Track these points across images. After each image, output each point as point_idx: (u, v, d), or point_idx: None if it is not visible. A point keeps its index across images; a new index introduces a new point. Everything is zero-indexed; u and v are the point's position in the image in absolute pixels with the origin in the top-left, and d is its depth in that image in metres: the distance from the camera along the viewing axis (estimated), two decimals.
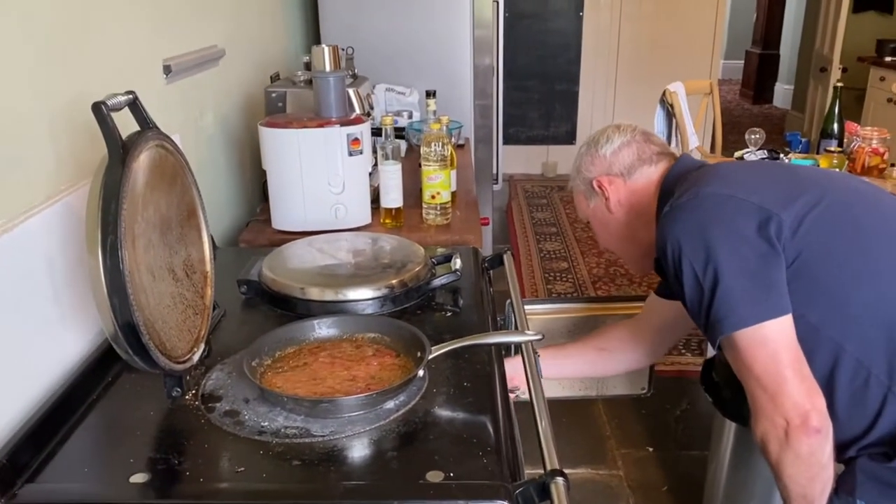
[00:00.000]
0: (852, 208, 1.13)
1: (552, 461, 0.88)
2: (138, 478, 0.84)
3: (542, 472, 0.86)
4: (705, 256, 1.05)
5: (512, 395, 1.38)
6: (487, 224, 2.45)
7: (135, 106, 0.98)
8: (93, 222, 0.85)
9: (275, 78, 2.34)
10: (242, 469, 0.86)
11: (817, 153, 2.55)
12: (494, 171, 3.01)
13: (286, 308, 1.28)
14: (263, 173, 1.74)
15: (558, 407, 2.46)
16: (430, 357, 1.03)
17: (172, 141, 1.04)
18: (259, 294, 1.33)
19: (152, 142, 0.97)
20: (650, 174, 1.30)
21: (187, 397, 1.01)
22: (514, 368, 1.24)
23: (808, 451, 1.02)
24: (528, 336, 1.09)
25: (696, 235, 1.07)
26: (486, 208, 2.97)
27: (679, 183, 1.21)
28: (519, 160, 5.58)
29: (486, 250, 2.83)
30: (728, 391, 1.64)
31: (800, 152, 2.56)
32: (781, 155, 2.48)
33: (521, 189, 5.31)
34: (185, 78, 1.61)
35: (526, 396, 1.05)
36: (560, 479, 0.83)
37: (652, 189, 1.29)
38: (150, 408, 0.99)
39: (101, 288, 0.85)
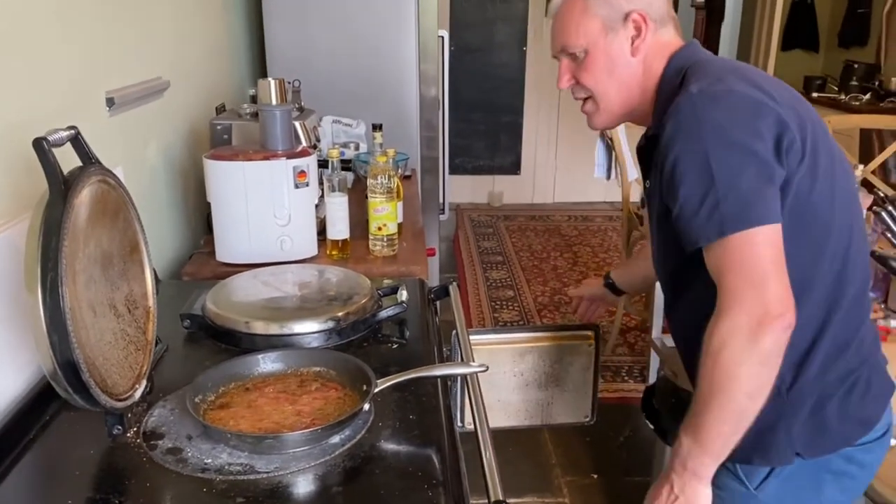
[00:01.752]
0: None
1: (496, 492, 0.89)
2: None
3: (486, 502, 0.87)
4: (724, 153, 1.01)
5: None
6: (434, 255, 2.48)
7: (77, 141, 0.98)
8: (32, 259, 0.84)
9: (220, 109, 2.33)
10: None
11: None
12: (441, 201, 3.04)
13: (230, 342, 1.27)
14: (207, 205, 1.73)
15: (505, 436, 2.47)
16: (376, 390, 1.04)
17: (115, 175, 1.03)
18: (202, 328, 1.32)
19: (94, 177, 0.96)
20: (671, 37, 1.18)
21: (129, 435, 0.99)
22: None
23: (771, 347, 0.98)
24: (473, 367, 1.10)
25: (721, 129, 1.02)
26: (433, 238, 3.00)
27: (696, 67, 1.13)
28: (465, 190, 5.65)
29: (433, 280, 2.85)
30: (668, 418, 1.69)
31: None
32: None
33: (467, 218, 5.36)
34: (128, 110, 1.59)
35: None
36: None
37: (667, 54, 1.17)
38: (89, 447, 0.97)
39: (40, 325, 0.84)
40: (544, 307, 3.79)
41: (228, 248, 1.68)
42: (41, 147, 0.88)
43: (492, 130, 5.62)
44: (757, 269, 1.00)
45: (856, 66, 5.09)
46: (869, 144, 3.90)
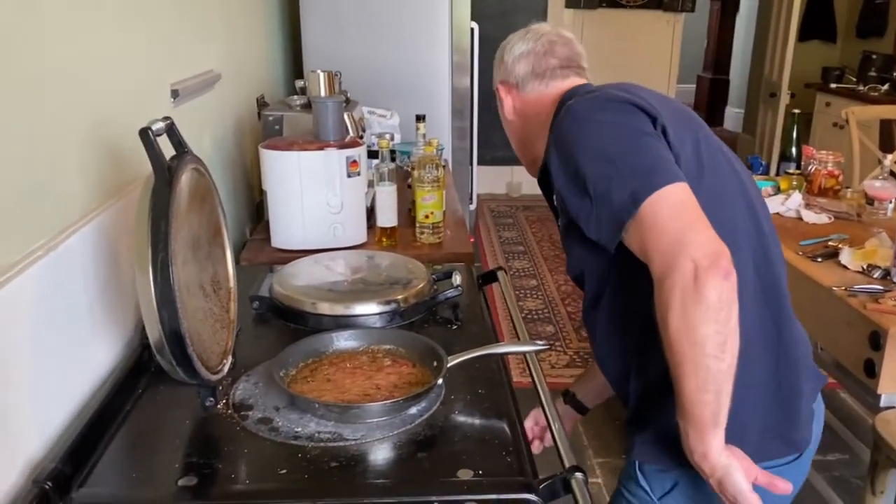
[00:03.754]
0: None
1: (569, 459, 0.96)
2: (186, 481, 0.89)
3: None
4: (604, 136, 1.02)
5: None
6: (473, 241, 2.53)
7: (171, 130, 1.04)
8: (143, 241, 0.91)
9: (260, 101, 2.39)
10: (284, 471, 0.92)
11: (777, 175, 2.71)
12: (470, 191, 3.10)
13: (298, 322, 1.34)
14: (255, 193, 1.80)
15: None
16: (448, 366, 1.11)
17: (203, 163, 1.10)
18: (271, 309, 1.38)
19: (190, 165, 1.03)
20: (541, 90, 1.25)
21: (219, 407, 1.06)
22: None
23: (716, 299, 0.89)
24: (537, 346, 1.17)
25: (594, 119, 1.05)
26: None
27: (576, 93, 1.18)
28: (484, 180, 5.69)
29: None
30: None
31: (760, 174, 2.72)
32: None
33: (487, 209, 5.42)
34: (188, 101, 1.66)
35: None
36: (579, 475, 0.91)
37: (546, 102, 1.24)
38: (184, 417, 1.04)
39: (150, 302, 0.90)
40: (568, 296, 3.85)
41: (283, 234, 1.75)
42: (147, 136, 0.94)
43: None
44: (674, 225, 0.93)
45: (874, 56, 5.11)
46: (889, 135, 3.94)
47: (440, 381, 1.08)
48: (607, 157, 1.00)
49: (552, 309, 3.69)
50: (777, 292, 1.11)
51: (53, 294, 0.98)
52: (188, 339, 0.93)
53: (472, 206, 3.15)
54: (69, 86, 1.09)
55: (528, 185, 5.77)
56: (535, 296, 3.86)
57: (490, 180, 5.74)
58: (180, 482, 0.89)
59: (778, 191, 2.47)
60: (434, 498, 0.86)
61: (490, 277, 1.65)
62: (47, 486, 0.84)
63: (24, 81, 0.95)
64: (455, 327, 1.37)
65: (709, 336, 0.90)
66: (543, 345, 1.16)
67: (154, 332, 0.92)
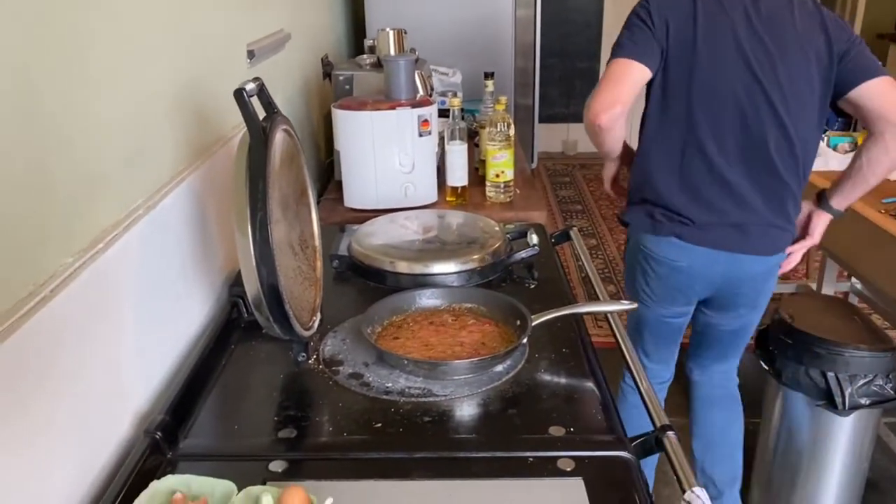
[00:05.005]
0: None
1: (660, 418, 0.96)
2: (286, 433, 0.92)
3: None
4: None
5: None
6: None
7: (262, 91, 1.05)
8: (241, 200, 0.93)
9: (325, 60, 2.40)
10: (379, 424, 0.94)
11: (854, 130, 2.61)
12: (532, 150, 3.06)
13: (377, 281, 1.36)
14: (322, 154, 1.81)
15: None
16: (532, 325, 1.11)
17: (292, 124, 1.11)
18: (350, 268, 1.41)
19: (281, 125, 1.04)
20: None
21: (310, 362, 1.09)
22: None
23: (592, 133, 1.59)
24: (623, 305, 1.16)
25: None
26: None
27: None
28: (540, 138, 5.63)
29: None
30: (782, 359, 1.73)
31: (837, 130, 2.62)
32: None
33: (543, 167, 5.36)
34: (262, 62, 1.67)
35: None
36: (671, 433, 0.92)
37: None
38: (276, 372, 1.07)
39: (250, 260, 0.93)
40: None
41: (356, 194, 1.77)
42: (241, 97, 0.96)
43: (567, 77, 5.56)
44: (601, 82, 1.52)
45: None
46: None
47: (525, 339, 1.09)
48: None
49: (612, 269, 3.66)
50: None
51: (154, 252, 1.01)
52: (285, 295, 0.95)
53: (534, 165, 3.12)
54: (157, 53, 1.10)
55: (585, 142, 5.68)
56: (595, 255, 3.83)
57: (545, 138, 5.66)
58: (280, 434, 0.92)
59: (855, 146, 2.39)
60: (529, 454, 0.88)
61: (562, 237, 1.65)
62: (157, 436, 0.87)
63: (125, 54, 0.97)
64: (532, 286, 1.37)
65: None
66: (630, 304, 1.16)
67: (252, 289, 0.95)
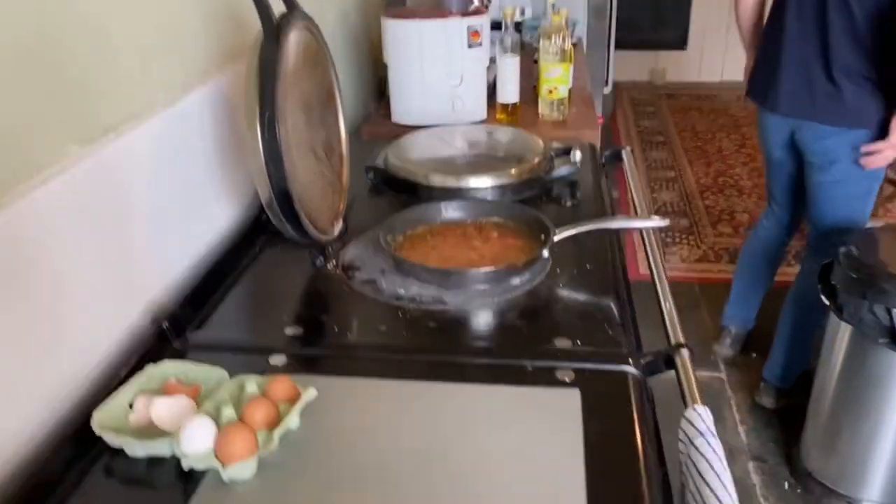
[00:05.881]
0: None
1: (677, 336, 0.91)
2: (293, 330, 0.93)
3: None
4: None
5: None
6: (603, 122, 2.41)
7: None
8: (252, 98, 0.92)
9: None
10: (384, 328, 0.94)
11: None
12: (605, 75, 2.94)
13: (410, 194, 1.34)
14: (380, 68, 1.78)
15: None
16: (556, 239, 1.07)
17: (315, 24, 1.08)
18: (384, 180, 1.39)
19: (300, 22, 1.02)
20: None
21: (329, 267, 1.09)
22: None
23: None
24: (654, 221, 1.11)
25: None
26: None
27: None
28: (625, 66, 5.39)
29: None
30: (845, 294, 1.62)
31: None
32: None
33: (627, 96, 5.16)
34: None
35: None
36: (685, 351, 0.87)
37: None
38: (296, 276, 1.08)
39: (258, 159, 0.92)
40: (707, 189, 3.65)
41: (403, 109, 1.74)
42: None
43: (657, 1, 5.27)
44: None
45: None
46: None
47: (545, 253, 1.06)
48: None
49: (689, 202, 3.52)
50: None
51: (173, 150, 1.02)
52: (295, 195, 0.95)
53: (607, 90, 2.99)
54: None
55: (673, 71, 5.41)
56: (671, 188, 3.69)
57: (630, 66, 5.42)
58: (287, 330, 0.93)
59: None
60: (527, 362, 0.85)
61: (615, 157, 1.58)
62: (165, 326, 0.90)
63: None
64: (570, 205, 1.32)
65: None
66: (661, 221, 1.10)
67: (263, 188, 0.95)
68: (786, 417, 2.12)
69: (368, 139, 1.75)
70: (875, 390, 1.64)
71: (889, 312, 1.51)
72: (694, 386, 0.83)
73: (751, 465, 1.96)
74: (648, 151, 4.16)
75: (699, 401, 0.80)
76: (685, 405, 0.81)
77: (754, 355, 2.38)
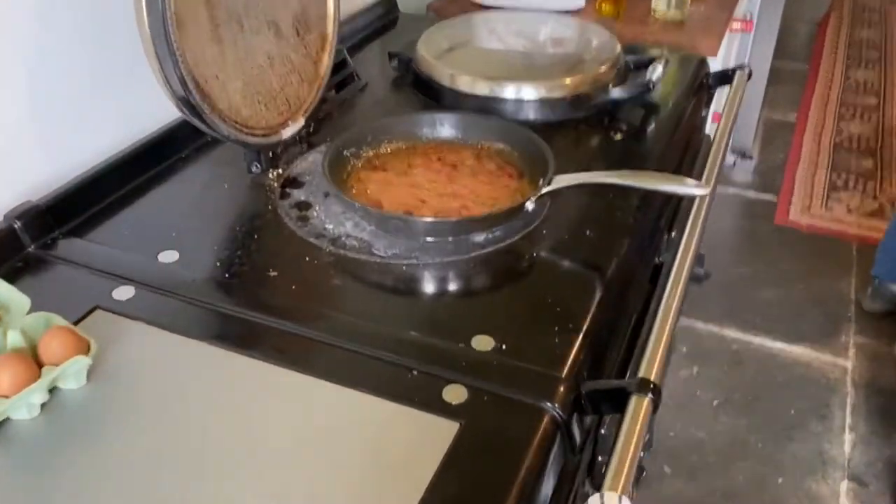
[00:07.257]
0: None
1: (648, 368, 0.63)
2: (167, 256, 0.75)
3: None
4: None
5: None
6: (748, 30, 1.92)
7: None
8: None
9: None
10: (275, 273, 0.73)
11: None
12: None
13: (431, 96, 1.08)
14: None
15: (806, 260, 2.07)
16: (550, 189, 0.79)
17: None
18: (409, 72, 1.13)
19: None
20: None
21: (270, 177, 0.88)
22: None
23: None
24: (690, 188, 0.78)
25: None
26: (774, 16, 2.38)
27: None
28: None
29: (758, 66, 2.31)
30: None
31: None
32: None
33: None
34: None
35: None
36: (649, 395, 0.59)
37: None
38: (221, 185, 0.88)
39: (146, 34, 0.71)
40: None
41: None
42: None
43: None
44: None
45: None
46: None
47: (529, 205, 0.78)
48: None
49: (882, 140, 2.88)
50: None
51: (72, 22, 0.83)
52: (190, 82, 0.74)
53: None
54: None
55: None
56: (866, 118, 3.03)
57: None
58: (160, 256, 0.75)
59: None
60: (414, 364, 0.61)
61: (724, 79, 1.20)
62: (16, 226, 0.74)
63: None
64: (619, 138, 1.00)
65: None
66: (701, 188, 0.77)
67: (154, 66, 0.74)
68: None
69: (434, 15, 1.46)
70: None
71: None
72: (628, 456, 0.55)
73: (843, 486, 1.59)
74: (852, 69, 3.44)
75: (620, 487, 0.53)
76: (593, 486, 0.54)
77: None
